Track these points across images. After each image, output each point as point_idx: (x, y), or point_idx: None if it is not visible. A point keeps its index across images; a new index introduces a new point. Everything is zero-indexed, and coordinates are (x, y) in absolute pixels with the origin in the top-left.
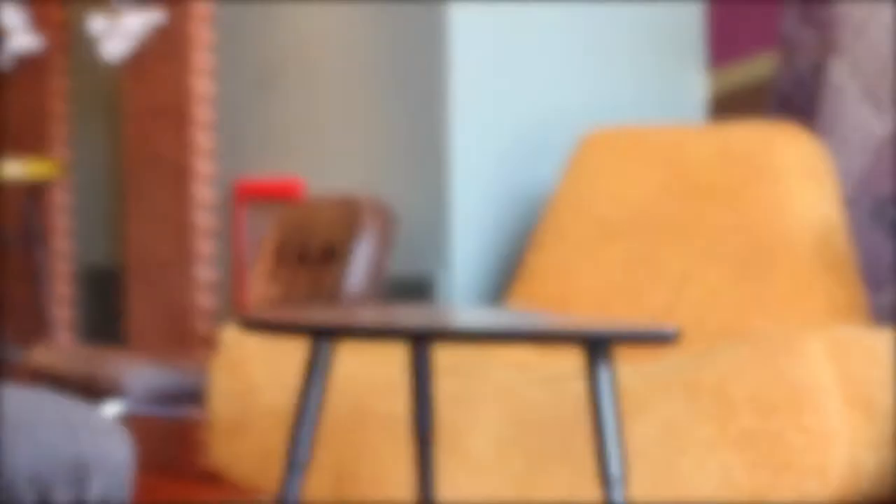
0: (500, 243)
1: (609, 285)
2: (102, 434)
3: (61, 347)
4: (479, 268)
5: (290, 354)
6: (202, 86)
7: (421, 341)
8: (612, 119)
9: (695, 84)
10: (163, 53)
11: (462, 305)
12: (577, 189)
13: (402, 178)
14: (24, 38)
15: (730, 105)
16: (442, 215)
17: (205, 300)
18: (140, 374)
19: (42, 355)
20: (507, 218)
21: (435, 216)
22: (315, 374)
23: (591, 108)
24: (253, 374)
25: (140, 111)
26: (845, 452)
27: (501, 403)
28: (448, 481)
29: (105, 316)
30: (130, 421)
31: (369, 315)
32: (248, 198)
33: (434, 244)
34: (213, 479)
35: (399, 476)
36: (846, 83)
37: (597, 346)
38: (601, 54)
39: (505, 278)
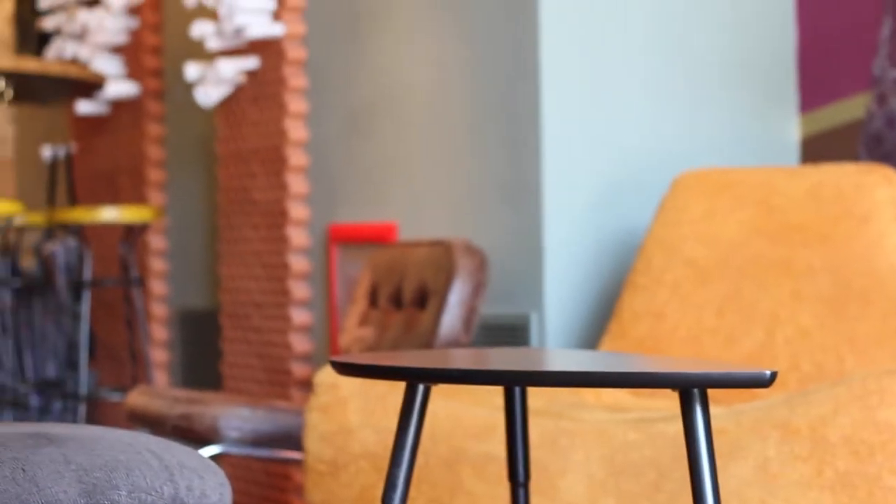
0: (593, 286)
1: (702, 327)
2: (200, 475)
3: (158, 390)
4: (573, 310)
5: (384, 397)
6: (296, 130)
7: (515, 385)
8: (704, 161)
9: (787, 127)
10: (256, 98)
11: (555, 348)
12: (668, 231)
13: (495, 220)
14: (121, 86)
15: (821, 147)
16: (535, 258)
17: (299, 343)
18: (236, 416)
19: (139, 398)
20: (600, 260)
21: (528, 259)
22: (410, 417)
23: (683, 151)
24: (348, 416)
25: (234, 155)
26: None
27: (594, 445)
28: None
29: (201, 358)
30: (227, 462)
31: (463, 359)
32: (341, 241)
33: (527, 287)
34: None
35: None
36: None
37: (692, 391)
38: (693, 97)
39: (598, 321)
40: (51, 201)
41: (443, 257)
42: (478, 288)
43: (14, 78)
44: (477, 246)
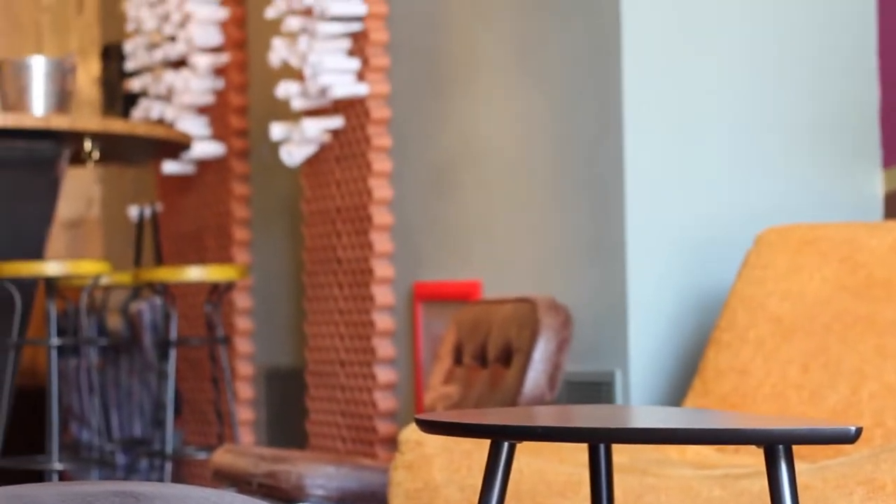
0: (677, 342)
1: (787, 383)
2: None
3: (243, 448)
4: (657, 367)
5: (469, 454)
6: (380, 189)
7: (599, 442)
8: (787, 217)
9: (871, 182)
10: (341, 158)
11: (640, 405)
12: (752, 287)
13: (579, 277)
14: (206, 146)
15: None
16: (619, 315)
17: (384, 400)
18: (321, 474)
19: (224, 456)
20: (684, 317)
21: (612, 316)
22: (495, 475)
23: (766, 207)
24: (433, 473)
25: (319, 214)
26: None
27: (679, 501)
28: None
29: (286, 416)
30: None
31: (548, 416)
32: (426, 299)
33: (612, 344)
34: None
35: None
36: None
37: (777, 447)
38: (776, 153)
39: (682, 377)
40: (137, 261)
41: (527, 314)
42: (562, 345)
43: (101, 139)
44: (561, 303)
